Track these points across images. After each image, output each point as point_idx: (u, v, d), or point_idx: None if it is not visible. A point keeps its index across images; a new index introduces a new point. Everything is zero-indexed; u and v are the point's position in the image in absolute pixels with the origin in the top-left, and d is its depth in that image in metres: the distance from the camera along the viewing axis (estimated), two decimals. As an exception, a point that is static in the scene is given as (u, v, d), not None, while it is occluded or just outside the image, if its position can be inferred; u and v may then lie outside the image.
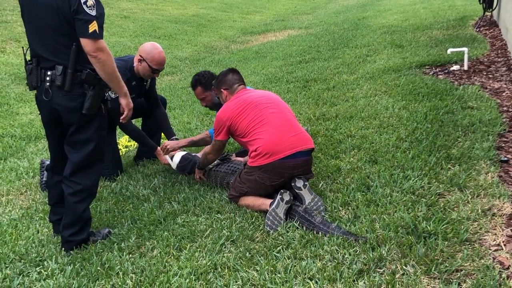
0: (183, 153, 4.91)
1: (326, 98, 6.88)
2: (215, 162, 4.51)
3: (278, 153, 3.79)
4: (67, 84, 3.30)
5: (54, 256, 3.57)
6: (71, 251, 3.61)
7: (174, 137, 5.21)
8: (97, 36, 3.17)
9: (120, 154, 5.77)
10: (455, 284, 2.66)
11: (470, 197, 3.58)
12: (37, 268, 3.46)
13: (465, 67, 7.34)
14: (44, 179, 4.90)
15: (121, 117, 3.72)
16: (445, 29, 11.00)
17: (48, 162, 4.74)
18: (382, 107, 5.97)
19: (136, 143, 5.93)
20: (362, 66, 8.69)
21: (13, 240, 3.91)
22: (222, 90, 4.31)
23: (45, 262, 3.53)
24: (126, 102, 3.61)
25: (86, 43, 3.18)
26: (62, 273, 3.35)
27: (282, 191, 3.64)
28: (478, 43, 9.04)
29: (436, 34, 10.46)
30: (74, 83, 3.32)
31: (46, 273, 3.38)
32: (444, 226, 3.20)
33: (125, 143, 6.06)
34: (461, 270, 2.78)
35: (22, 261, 3.59)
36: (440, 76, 7.14)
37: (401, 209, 3.49)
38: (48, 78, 3.33)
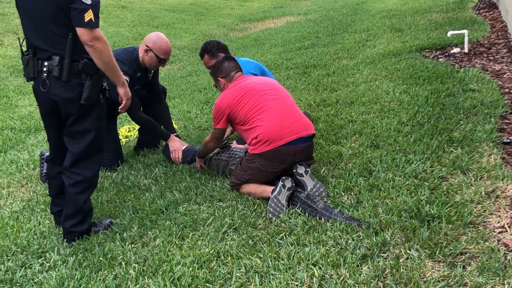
0: (184, 145, 4.92)
1: (326, 84, 6.85)
2: (216, 150, 4.49)
3: (279, 140, 3.77)
4: (64, 74, 3.27)
5: (56, 248, 3.57)
6: (73, 242, 3.60)
7: (175, 134, 5.18)
8: (93, 25, 3.14)
9: (122, 143, 5.76)
10: (460, 267, 2.64)
11: (473, 179, 3.56)
12: (39, 260, 3.46)
13: (466, 50, 7.30)
14: (44, 170, 4.89)
15: (120, 107, 3.70)
16: (445, 12, 10.93)
17: (47, 154, 4.72)
18: (382, 91, 5.94)
19: (135, 133, 5.91)
20: (361, 51, 8.65)
21: (15, 233, 3.90)
22: (219, 78, 4.27)
23: (47, 254, 3.52)
24: (124, 92, 3.58)
25: (82, 33, 3.15)
26: (64, 264, 3.34)
27: (283, 177, 3.62)
28: (478, 25, 8.98)
29: (436, 17, 10.39)
30: (72, 73, 3.29)
31: (48, 264, 3.38)
32: (448, 209, 3.18)
33: (125, 133, 6.03)
34: (466, 253, 2.77)
35: (24, 253, 3.58)
36: (441, 59, 7.10)
37: (404, 193, 3.47)
38: (45, 69, 3.30)
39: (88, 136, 3.46)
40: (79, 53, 3.28)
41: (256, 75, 4.70)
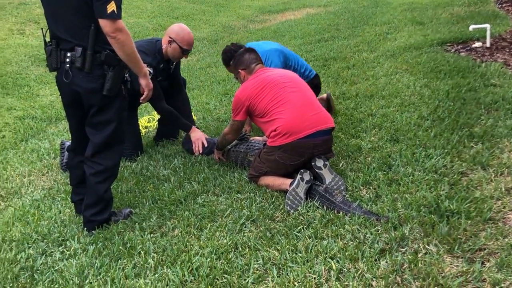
0: (205, 137, 4.94)
1: (346, 77, 6.83)
2: (234, 142, 4.50)
3: (298, 133, 3.77)
4: (86, 65, 3.30)
5: (76, 236, 3.61)
6: (93, 231, 3.65)
7: (195, 125, 5.19)
8: (115, 16, 3.16)
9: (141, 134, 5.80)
10: (479, 263, 2.64)
11: (493, 175, 3.54)
12: (60, 248, 3.51)
13: (488, 44, 7.21)
14: (65, 160, 4.94)
15: (141, 98, 3.72)
16: (467, 5, 10.80)
17: (68, 143, 4.77)
18: (403, 85, 5.91)
19: (155, 124, 5.94)
20: (382, 44, 8.60)
21: (36, 221, 3.96)
22: (239, 70, 4.28)
23: (68, 242, 3.57)
24: (146, 83, 3.60)
25: (104, 24, 3.16)
26: (84, 252, 3.39)
27: (302, 170, 3.63)
28: (500, 20, 8.86)
29: (458, 11, 10.28)
30: (94, 64, 3.32)
31: (68, 252, 3.42)
32: (467, 205, 3.17)
33: (145, 124, 6.07)
34: (485, 249, 2.76)
35: (45, 241, 3.63)
36: (462, 53, 7.03)
37: (423, 188, 3.46)
38: (67, 60, 3.33)
39: (110, 126, 3.49)
40: (102, 44, 3.31)
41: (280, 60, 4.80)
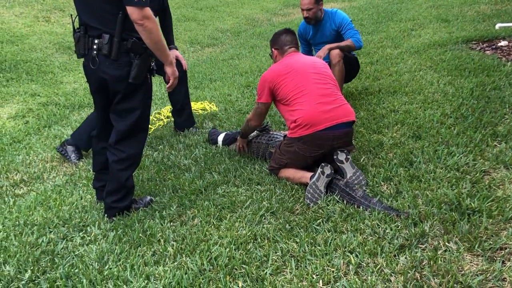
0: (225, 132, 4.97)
1: (369, 72, 6.80)
2: (255, 133, 4.51)
3: (317, 125, 3.76)
4: (113, 52, 3.32)
5: (97, 222, 3.65)
6: (113, 218, 3.69)
7: (173, 45, 5.35)
8: (143, 4, 3.17)
9: (162, 124, 5.83)
10: (499, 262, 2.62)
11: (516, 175, 3.51)
12: (80, 233, 3.55)
13: (514, 43, 7.13)
14: (72, 156, 5.03)
15: (167, 86, 3.74)
16: (493, 3, 10.66)
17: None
18: (426, 82, 5.87)
19: (165, 121, 5.98)
20: (406, 40, 8.53)
21: (57, 206, 4.01)
22: (273, 49, 4.34)
23: (88, 228, 3.61)
24: (171, 71, 3.61)
25: (132, 11, 3.18)
26: (104, 238, 3.43)
27: (323, 164, 3.62)
28: (528, 18, 8.76)
29: (484, 9, 10.17)
30: (120, 52, 3.34)
31: (89, 238, 3.46)
32: (489, 203, 3.14)
33: (167, 114, 6.10)
34: (506, 248, 2.74)
35: (66, 226, 3.68)
36: (487, 51, 6.95)
37: (444, 185, 3.44)
38: (95, 47, 3.36)
39: (134, 114, 3.51)
40: (129, 32, 3.33)
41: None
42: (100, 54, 3.36)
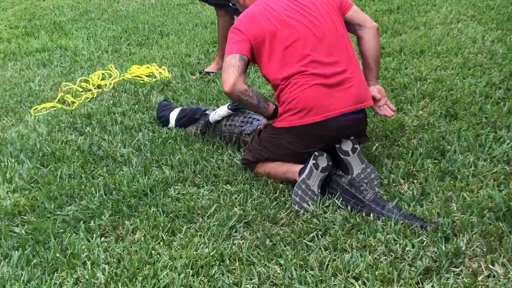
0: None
1: (386, 24, 6.82)
2: (227, 113, 4.47)
3: (317, 111, 3.60)
4: None
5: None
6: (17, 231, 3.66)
7: None
8: None
9: (91, 96, 5.80)
10: (562, 292, 2.67)
11: None
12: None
13: None
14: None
15: None
16: None
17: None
18: (467, 38, 5.90)
19: (111, 82, 5.96)
20: (440, -22, 8.58)
21: None
22: None
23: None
24: None
25: None
26: (6, 260, 3.39)
27: (316, 153, 3.57)
28: None
29: None
30: None
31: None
32: (550, 211, 3.19)
33: (98, 82, 6.06)
34: None
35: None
36: (554, -5, 7.02)
37: (489, 184, 3.47)
38: None
39: None
40: None
41: None
42: None
